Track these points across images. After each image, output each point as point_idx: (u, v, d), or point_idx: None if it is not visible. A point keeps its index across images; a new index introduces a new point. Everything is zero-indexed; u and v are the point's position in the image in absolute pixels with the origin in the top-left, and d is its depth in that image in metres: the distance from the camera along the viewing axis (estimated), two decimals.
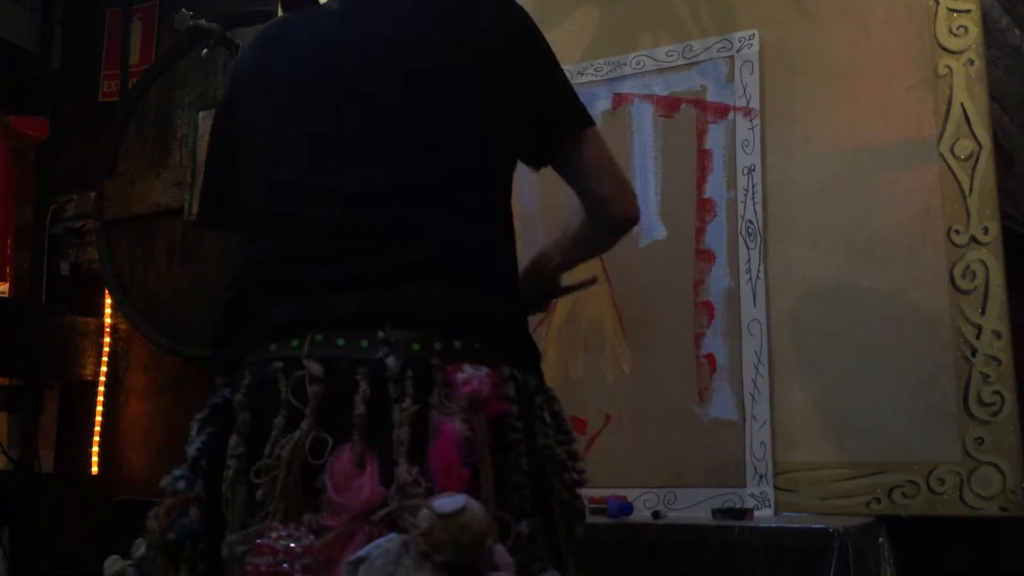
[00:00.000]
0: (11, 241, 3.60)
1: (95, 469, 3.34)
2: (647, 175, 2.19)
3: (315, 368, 1.06)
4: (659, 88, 2.22)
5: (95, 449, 3.35)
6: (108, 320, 3.43)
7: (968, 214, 1.86)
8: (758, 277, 2.03)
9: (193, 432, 1.18)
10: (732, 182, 2.09)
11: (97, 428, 3.36)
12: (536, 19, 1.30)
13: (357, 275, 1.11)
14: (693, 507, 1.97)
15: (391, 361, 1.05)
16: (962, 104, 1.90)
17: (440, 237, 1.14)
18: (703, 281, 2.09)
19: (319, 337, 1.08)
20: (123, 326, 3.40)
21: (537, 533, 1.09)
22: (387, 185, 1.14)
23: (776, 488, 1.91)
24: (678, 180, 2.16)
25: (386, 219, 1.12)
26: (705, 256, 2.09)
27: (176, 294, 3.10)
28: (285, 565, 0.99)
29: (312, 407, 1.05)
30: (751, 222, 2.06)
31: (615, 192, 1.37)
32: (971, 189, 1.87)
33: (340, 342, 1.08)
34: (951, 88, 1.92)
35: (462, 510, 0.96)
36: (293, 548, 0.99)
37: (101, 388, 3.39)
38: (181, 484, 1.16)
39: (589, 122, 1.34)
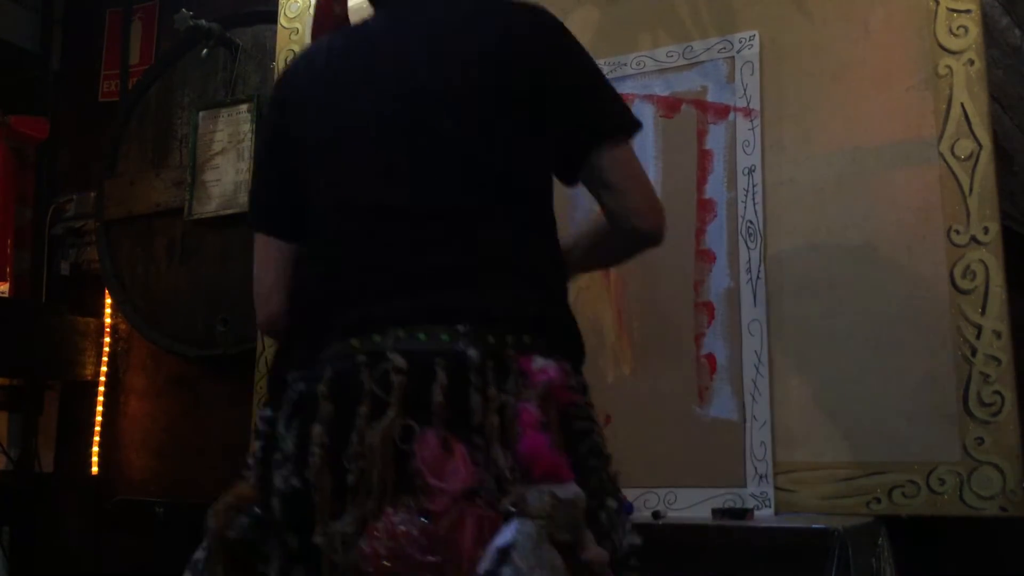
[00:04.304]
0: (11, 241, 3.60)
1: (95, 469, 3.33)
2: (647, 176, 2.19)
3: (399, 360, 1.13)
4: (659, 88, 2.22)
5: (95, 449, 3.34)
6: (108, 320, 3.43)
7: (968, 214, 1.86)
8: (758, 277, 2.03)
9: (273, 419, 1.23)
10: (732, 182, 2.09)
11: (97, 428, 3.36)
12: None
13: (428, 279, 1.21)
14: (693, 507, 1.97)
15: (472, 352, 1.13)
16: (962, 104, 1.90)
17: (501, 247, 1.24)
18: (703, 281, 2.09)
19: (401, 332, 1.16)
20: (123, 326, 3.40)
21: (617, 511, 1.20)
22: (447, 203, 1.25)
23: (776, 488, 1.91)
24: (678, 180, 2.15)
25: (448, 232, 1.23)
26: (705, 256, 2.10)
27: (176, 294, 3.10)
28: (407, 549, 1.03)
29: (397, 396, 1.12)
30: (751, 222, 2.06)
31: (642, 205, 1.36)
32: (971, 189, 1.87)
33: (421, 336, 1.16)
34: (951, 88, 1.92)
35: (578, 496, 1.07)
36: (411, 532, 1.04)
37: (101, 388, 3.39)
38: (294, 481, 1.20)
39: (618, 131, 1.36)
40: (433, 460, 1.07)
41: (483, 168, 1.26)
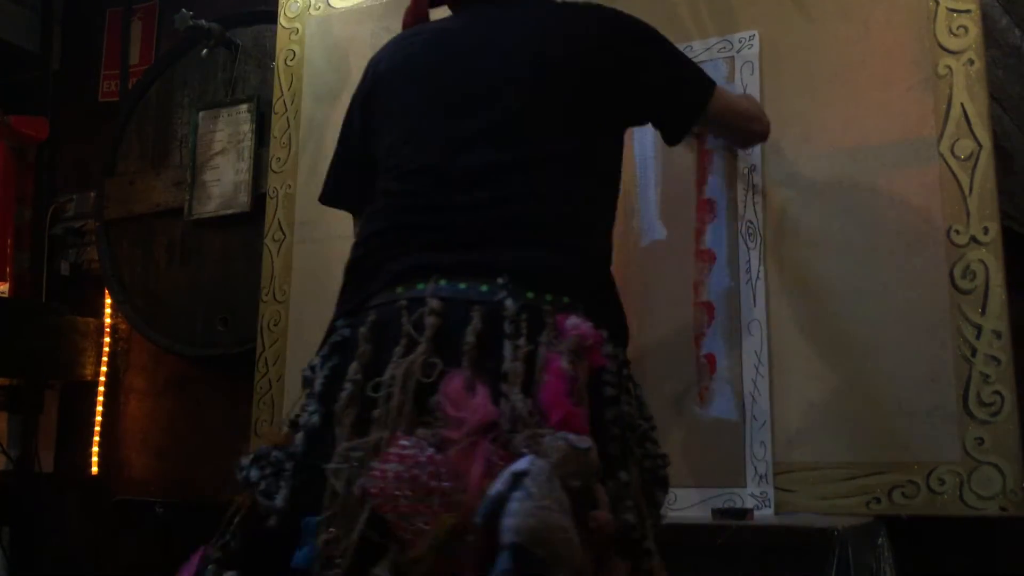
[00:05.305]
0: (11, 241, 3.60)
1: (95, 469, 3.34)
2: (647, 175, 2.19)
3: (435, 302, 1.20)
4: None
5: (95, 449, 3.35)
6: (108, 320, 3.43)
7: (968, 214, 1.86)
8: (758, 277, 2.03)
9: (316, 365, 1.28)
10: (732, 182, 2.09)
11: (97, 428, 3.36)
12: None
13: (476, 238, 1.28)
14: (693, 507, 1.97)
15: (509, 302, 1.19)
16: (962, 104, 1.90)
17: (548, 214, 1.32)
18: (703, 281, 2.09)
19: (443, 281, 1.24)
20: (123, 326, 3.41)
21: (629, 484, 1.20)
22: (502, 171, 1.33)
23: (776, 488, 1.91)
24: (678, 180, 2.15)
25: (498, 196, 1.31)
26: (705, 256, 2.09)
27: (176, 294, 3.11)
28: (415, 471, 1.06)
29: (427, 335, 1.18)
30: (751, 222, 2.06)
31: (752, 135, 1.87)
32: (971, 189, 1.87)
33: (462, 285, 1.23)
34: (951, 88, 1.92)
35: (591, 448, 1.09)
36: (418, 456, 1.07)
37: (101, 388, 3.39)
38: (315, 418, 1.23)
39: (708, 91, 1.60)
40: (456, 395, 1.11)
41: (544, 145, 1.35)
